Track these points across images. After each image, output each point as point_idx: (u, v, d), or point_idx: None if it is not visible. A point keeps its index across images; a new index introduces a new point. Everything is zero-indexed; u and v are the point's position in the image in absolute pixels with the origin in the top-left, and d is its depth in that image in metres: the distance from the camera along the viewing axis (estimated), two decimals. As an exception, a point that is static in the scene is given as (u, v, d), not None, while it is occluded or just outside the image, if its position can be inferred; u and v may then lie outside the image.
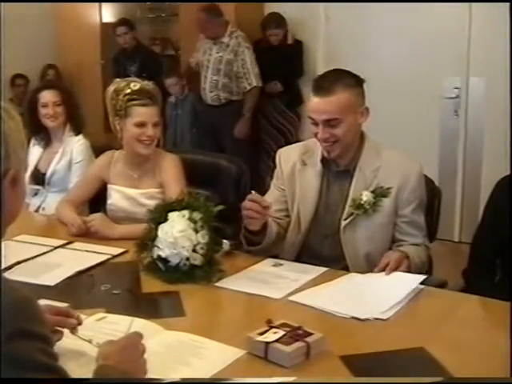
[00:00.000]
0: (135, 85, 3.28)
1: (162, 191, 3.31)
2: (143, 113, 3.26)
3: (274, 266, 2.75)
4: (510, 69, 5.69)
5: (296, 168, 2.96)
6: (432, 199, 3.05)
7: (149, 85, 3.35)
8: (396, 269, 2.59)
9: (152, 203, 3.05)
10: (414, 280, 2.49)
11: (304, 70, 6.69)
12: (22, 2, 7.06)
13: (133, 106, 3.26)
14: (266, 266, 2.76)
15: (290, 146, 3.16)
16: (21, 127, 1.49)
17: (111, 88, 3.34)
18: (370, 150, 2.86)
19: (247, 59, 6.41)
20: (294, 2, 6.71)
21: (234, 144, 6.48)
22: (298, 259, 2.89)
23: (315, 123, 2.77)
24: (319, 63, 6.69)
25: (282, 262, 2.81)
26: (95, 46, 7.90)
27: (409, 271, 2.61)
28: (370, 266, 2.72)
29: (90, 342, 1.88)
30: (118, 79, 3.42)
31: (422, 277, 2.51)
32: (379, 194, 2.78)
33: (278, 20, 6.65)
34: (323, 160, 2.89)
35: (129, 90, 3.27)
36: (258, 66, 6.47)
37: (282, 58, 6.59)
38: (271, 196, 2.99)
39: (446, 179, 5.88)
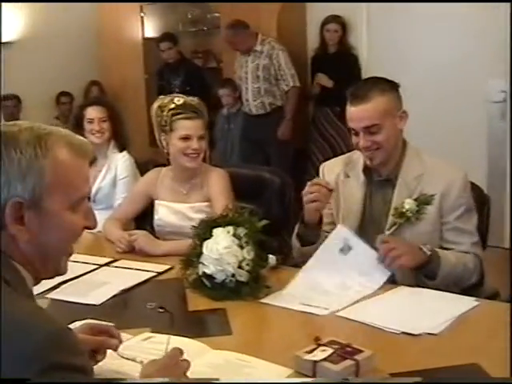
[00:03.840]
0: (179, 100, 3.30)
1: (210, 205, 3.30)
2: (188, 126, 3.27)
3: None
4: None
5: (339, 180, 2.93)
6: (481, 206, 2.98)
7: (193, 100, 3.35)
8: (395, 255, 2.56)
9: (200, 217, 3.01)
10: (466, 304, 2.41)
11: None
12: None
13: (177, 119, 3.27)
14: (308, 276, 2.69)
15: (333, 160, 3.14)
16: (36, 153, 1.44)
17: (156, 104, 3.35)
18: (412, 157, 2.82)
19: (282, 61, 6.44)
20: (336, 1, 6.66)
21: (280, 154, 6.49)
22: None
23: (356, 133, 2.76)
24: (363, 70, 6.64)
25: None
26: (138, 61, 7.96)
27: (426, 265, 2.60)
28: (416, 277, 2.66)
29: (133, 360, 1.86)
30: (162, 96, 3.43)
31: (475, 302, 2.42)
32: (422, 201, 2.73)
33: (336, 18, 6.63)
34: (365, 170, 2.87)
35: (173, 105, 3.28)
36: (316, 74, 6.54)
37: (337, 66, 6.55)
38: None
39: (496, 184, 5.77)
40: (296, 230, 2.87)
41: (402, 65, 6.32)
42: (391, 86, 2.78)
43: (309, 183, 2.68)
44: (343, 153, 5.74)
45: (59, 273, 1.58)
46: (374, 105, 2.69)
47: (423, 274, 2.65)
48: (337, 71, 6.48)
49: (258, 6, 6.48)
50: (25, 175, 1.42)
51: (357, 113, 2.73)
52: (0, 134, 1.44)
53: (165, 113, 3.29)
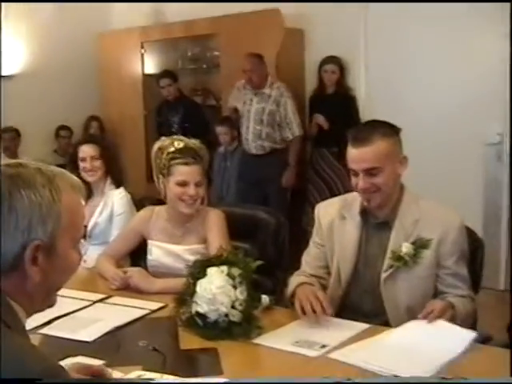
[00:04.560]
0: (179, 143, 3.29)
1: (205, 246, 3.29)
2: (185, 172, 3.26)
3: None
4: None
5: (335, 223, 2.94)
6: (475, 250, 2.99)
7: (195, 143, 3.34)
8: (439, 317, 2.53)
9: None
10: (464, 338, 2.42)
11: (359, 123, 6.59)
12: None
13: (175, 164, 3.26)
14: (305, 323, 2.69)
15: (328, 201, 3.14)
16: (53, 197, 1.47)
17: (156, 146, 3.36)
18: (409, 201, 2.84)
19: (289, 109, 6.44)
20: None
21: (277, 194, 6.49)
22: (339, 314, 2.84)
23: (355, 174, 2.77)
24: (361, 111, 6.68)
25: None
26: (138, 97, 7.99)
27: (453, 321, 2.55)
28: (411, 319, 2.65)
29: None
30: (163, 137, 3.42)
31: (472, 334, 2.45)
32: (419, 245, 2.74)
33: (334, 59, 6.68)
34: (362, 212, 2.88)
35: (172, 149, 3.27)
36: (313, 114, 6.60)
37: (335, 107, 6.57)
38: (310, 253, 3.02)
39: (491, 226, 5.80)
40: (289, 292, 2.86)
41: (399, 106, 6.37)
42: (393, 130, 2.80)
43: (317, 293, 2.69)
44: (340, 193, 5.82)
45: (52, 306, 1.61)
46: (375, 148, 2.71)
47: None
48: (334, 112, 6.51)
49: (257, 45, 6.52)
50: (45, 219, 1.45)
51: (358, 155, 2.74)
52: (15, 175, 1.46)
53: (164, 156, 3.29)
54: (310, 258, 3.01)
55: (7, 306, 1.46)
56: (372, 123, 2.92)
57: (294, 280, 2.91)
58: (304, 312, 2.64)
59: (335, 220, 2.95)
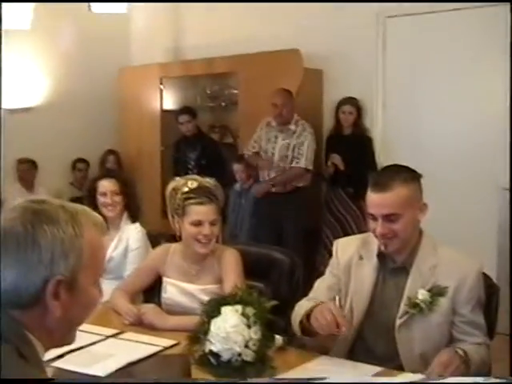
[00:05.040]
0: (193, 183, 3.30)
1: (220, 286, 3.28)
2: (200, 211, 3.27)
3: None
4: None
5: (353, 261, 2.93)
6: (490, 296, 2.96)
7: (209, 182, 3.35)
8: (447, 367, 2.50)
9: (211, 299, 3.02)
10: None
11: (376, 166, 6.53)
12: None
13: (189, 204, 3.27)
14: (318, 364, 2.69)
15: (348, 238, 3.16)
16: (76, 232, 1.49)
17: (170, 186, 3.37)
18: (428, 246, 2.82)
19: (306, 143, 6.44)
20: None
21: (292, 234, 6.45)
22: (350, 356, 2.82)
23: (374, 218, 2.76)
24: (377, 152, 6.71)
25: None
26: (155, 133, 8.04)
27: (467, 370, 2.52)
28: (425, 365, 2.63)
29: None
30: (178, 177, 3.44)
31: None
32: (436, 292, 2.72)
33: (351, 100, 6.71)
34: (380, 255, 2.86)
35: (186, 189, 3.29)
36: (330, 154, 6.63)
37: (351, 148, 6.59)
38: (325, 282, 2.99)
39: (505, 268, 5.75)
40: (299, 317, 2.84)
41: (416, 148, 6.40)
42: (413, 176, 2.79)
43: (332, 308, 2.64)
44: (353, 232, 5.80)
45: (71, 343, 1.61)
46: (395, 194, 2.69)
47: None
48: (351, 153, 6.53)
49: (276, 85, 6.55)
50: (67, 254, 1.47)
51: (378, 200, 2.73)
52: (39, 211, 1.48)
53: (178, 195, 3.30)
54: (324, 286, 2.97)
55: (24, 338, 1.47)
56: (393, 168, 2.90)
57: (304, 304, 2.89)
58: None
59: (353, 258, 2.93)
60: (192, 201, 3.27)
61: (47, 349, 1.54)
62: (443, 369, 2.50)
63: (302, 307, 2.88)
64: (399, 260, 2.84)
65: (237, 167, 6.83)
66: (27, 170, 7.49)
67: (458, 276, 2.74)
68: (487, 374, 2.69)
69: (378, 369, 2.63)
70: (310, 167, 6.48)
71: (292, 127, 6.52)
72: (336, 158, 6.61)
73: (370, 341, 2.88)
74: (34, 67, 7.65)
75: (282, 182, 6.52)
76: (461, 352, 2.59)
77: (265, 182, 6.60)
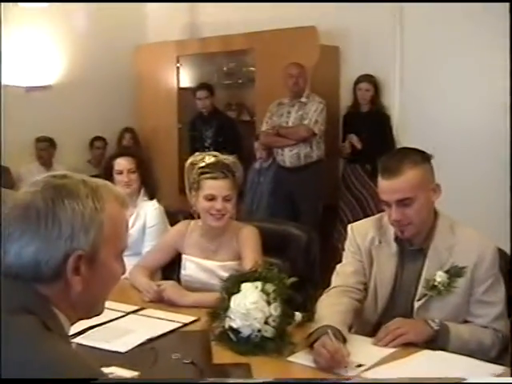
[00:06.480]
0: (210, 158, 3.32)
1: (239, 263, 3.30)
2: (213, 186, 3.28)
3: None
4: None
5: (373, 245, 2.90)
6: (508, 273, 2.92)
7: (227, 158, 3.35)
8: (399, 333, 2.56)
9: (230, 275, 3.03)
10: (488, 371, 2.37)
11: (394, 143, 6.59)
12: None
13: (204, 178, 3.29)
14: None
15: (362, 221, 3.10)
16: (96, 207, 1.49)
17: (189, 161, 3.39)
18: (444, 227, 2.79)
19: (313, 108, 6.46)
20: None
21: (309, 210, 6.46)
22: (373, 336, 2.80)
23: (388, 205, 2.73)
24: (395, 129, 6.70)
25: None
26: (172, 111, 8.05)
27: (436, 345, 2.55)
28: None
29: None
30: (197, 153, 3.45)
31: (499, 370, 2.36)
32: (454, 273, 2.70)
33: (368, 77, 6.71)
34: (397, 239, 2.84)
35: (203, 164, 3.30)
36: (347, 133, 6.64)
37: (369, 125, 6.59)
38: (350, 266, 2.93)
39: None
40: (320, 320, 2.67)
41: (433, 125, 6.35)
42: (423, 158, 2.74)
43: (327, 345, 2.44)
44: (372, 211, 5.78)
45: (99, 314, 1.63)
46: (405, 178, 2.66)
47: (432, 348, 2.58)
48: (368, 130, 6.53)
49: (293, 61, 6.54)
50: (88, 228, 1.47)
51: (389, 186, 2.70)
52: (60, 186, 1.49)
53: (194, 170, 3.32)
54: (350, 271, 2.91)
55: (49, 311, 1.48)
56: (401, 151, 2.88)
57: (323, 303, 2.80)
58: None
59: (373, 243, 2.90)
60: (207, 175, 3.29)
61: (73, 322, 1.55)
62: (387, 335, 2.56)
63: (322, 307, 2.75)
64: (416, 242, 2.81)
65: (257, 145, 6.82)
66: (45, 149, 7.52)
67: (476, 255, 2.71)
68: (500, 358, 2.66)
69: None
70: (316, 130, 6.45)
71: (303, 100, 6.55)
72: (354, 138, 6.60)
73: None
74: (51, 45, 7.66)
75: (287, 135, 6.53)
76: (434, 325, 2.61)
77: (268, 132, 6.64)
